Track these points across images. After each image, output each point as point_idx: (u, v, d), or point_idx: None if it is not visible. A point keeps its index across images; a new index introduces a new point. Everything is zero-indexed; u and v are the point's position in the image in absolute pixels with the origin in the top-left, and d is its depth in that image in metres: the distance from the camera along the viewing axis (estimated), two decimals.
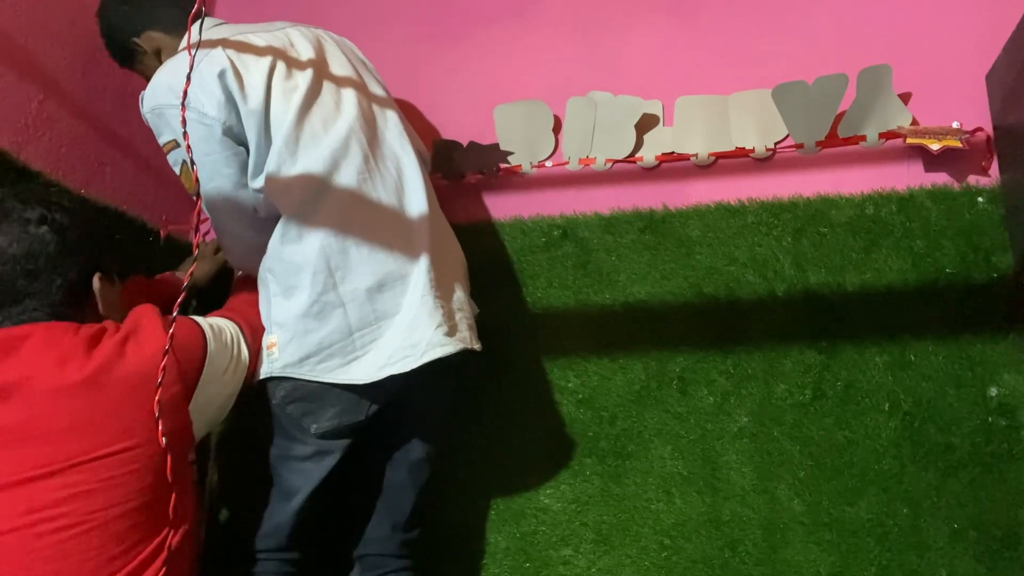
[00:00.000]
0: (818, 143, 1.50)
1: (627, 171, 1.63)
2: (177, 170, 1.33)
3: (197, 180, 1.15)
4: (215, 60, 1.24)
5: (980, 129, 1.44)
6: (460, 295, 1.33)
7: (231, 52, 1.26)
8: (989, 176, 1.45)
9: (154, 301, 1.20)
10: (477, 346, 1.32)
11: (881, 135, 1.46)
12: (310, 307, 1.23)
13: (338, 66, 1.38)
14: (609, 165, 1.62)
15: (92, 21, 1.47)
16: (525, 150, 1.67)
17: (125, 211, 1.61)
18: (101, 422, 1.03)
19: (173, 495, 1.07)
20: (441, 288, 1.29)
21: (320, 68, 1.34)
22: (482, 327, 1.44)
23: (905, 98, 1.49)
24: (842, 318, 1.46)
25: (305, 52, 1.34)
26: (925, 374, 1.40)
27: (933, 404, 1.39)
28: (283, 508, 1.28)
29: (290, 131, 1.25)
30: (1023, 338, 1.35)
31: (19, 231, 1.09)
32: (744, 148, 1.55)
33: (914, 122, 1.47)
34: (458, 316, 1.30)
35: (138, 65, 1.42)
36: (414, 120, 1.72)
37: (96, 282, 1.15)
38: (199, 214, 1.10)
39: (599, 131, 1.62)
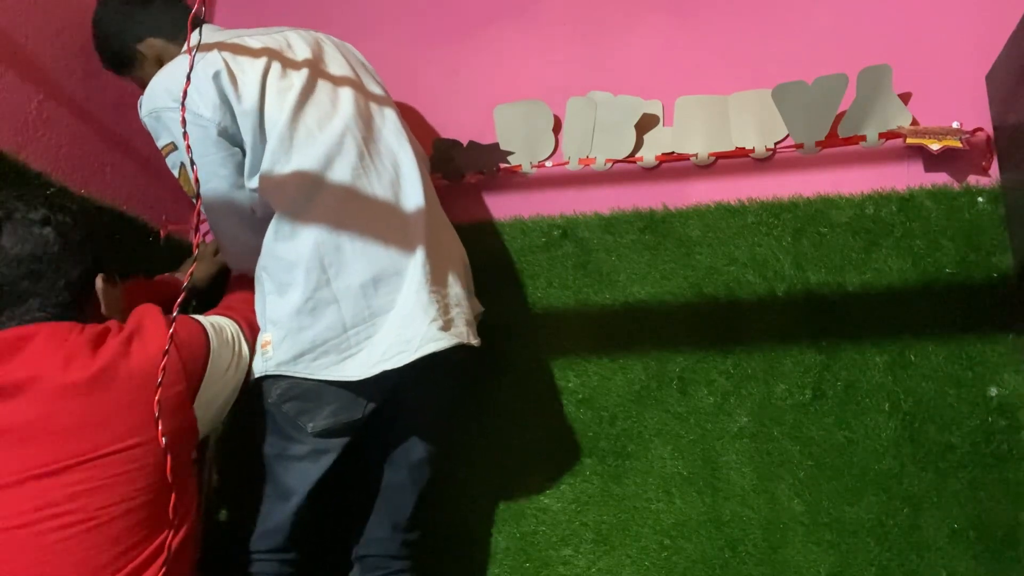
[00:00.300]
0: (818, 143, 1.50)
1: (627, 171, 1.63)
2: (176, 172, 1.33)
3: (197, 181, 1.15)
4: (210, 62, 1.25)
5: (980, 129, 1.44)
6: (458, 291, 1.32)
7: (226, 54, 1.27)
8: (989, 176, 1.45)
9: (154, 302, 1.20)
10: (475, 342, 1.31)
11: (881, 135, 1.46)
12: (303, 304, 1.23)
13: (336, 66, 1.38)
14: (609, 165, 1.62)
15: (93, 16, 1.47)
16: (525, 150, 1.67)
17: (125, 211, 1.61)
18: (107, 420, 1.04)
19: (173, 495, 1.07)
20: (437, 283, 1.28)
21: (316, 68, 1.34)
22: (482, 327, 1.44)
23: (905, 98, 1.49)
24: (842, 318, 1.46)
25: (302, 53, 1.35)
26: (925, 374, 1.40)
27: (933, 404, 1.39)
28: (280, 508, 1.28)
29: (284, 130, 1.26)
30: (1023, 338, 1.35)
31: (23, 232, 1.10)
32: (744, 148, 1.55)
33: (914, 122, 1.47)
34: (454, 311, 1.29)
35: (137, 72, 1.41)
36: (414, 120, 1.72)
37: (99, 282, 1.16)
38: (199, 215, 1.11)
39: (599, 131, 1.62)
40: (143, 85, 1.33)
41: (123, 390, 1.05)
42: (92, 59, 1.48)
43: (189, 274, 1.10)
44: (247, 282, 1.38)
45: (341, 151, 1.28)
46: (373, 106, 1.38)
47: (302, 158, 1.26)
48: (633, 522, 1.48)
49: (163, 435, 1.05)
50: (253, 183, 1.28)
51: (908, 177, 1.48)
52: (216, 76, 1.24)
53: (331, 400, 1.24)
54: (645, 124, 1.61)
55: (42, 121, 1.43)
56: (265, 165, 1.26)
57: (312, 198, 1.26)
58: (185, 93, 1.12)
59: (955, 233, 1.43)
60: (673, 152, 1.59)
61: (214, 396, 1.18)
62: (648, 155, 1.60)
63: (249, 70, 1.27)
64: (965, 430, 1.36)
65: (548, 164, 1.66)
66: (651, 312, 1.56)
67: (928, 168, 1.48)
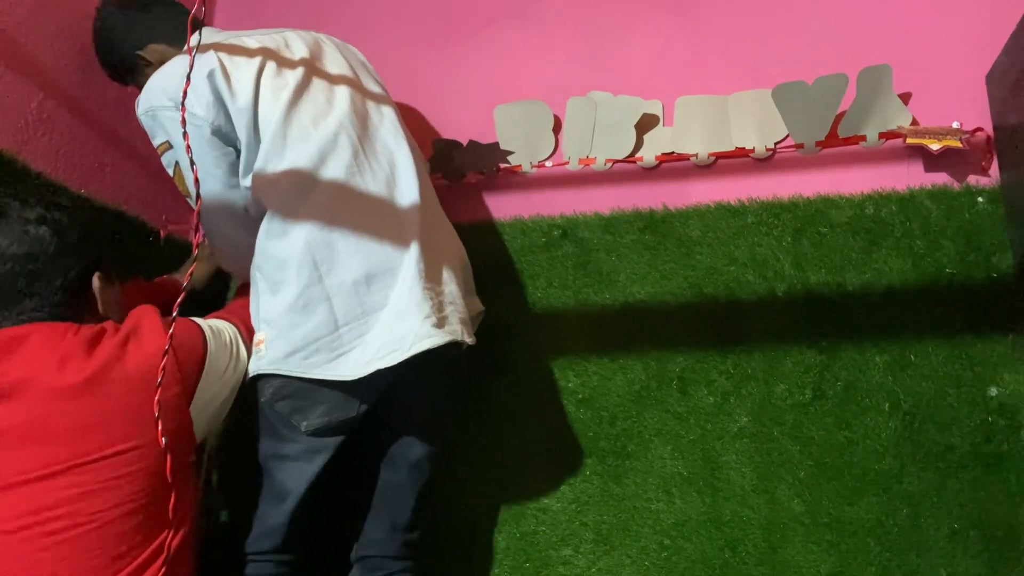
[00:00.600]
0: (818, 143, 1.50)
1: (627, 171, 1.63)
2: (170, 171, 1.33)
3: (197, 182, 1.15)
4: (205, 61, 1.25)
5: (980, 129, 1.44)
6: (453, 288, 1.31)
7: (222, 54, 1.28)
8: (989, 176, 1.45)
9: (154, 303, 1.20)
10: (469, 340, 1.30)
11: (881, 135, 1.46)
12: (295, 301, 1.23)
13: (333, 65, 1.38)
14: (609, 165, 1.62)
15: (92, 20, 1.47)
16: (525, 150, 1.67)
17: (125, 211, 1.61)
18: (103, 423, 1.03)
19: (173, 495, 1.07)
20: (431, 281, 1.27)
21: (312, 66, 1.34)
22: (482, 327, 1.44)
23: (905, 98, 1.49)
24: (842, 318, 1.46)
25: (299, 52, 1.35)
26: (925, 374, 1.40)
27: (933, 404, 1.38)
28: (277, 509, 1.28)
29: (278, 127, 1.26)
30: (1023, 338, 1.35)
31: (19, 231, 1.09)
32: (744, 148, 1.55)
33: (914, 122, 1.47)
34: (449, 309, 1.29)
35: (140, 79, 1.41)
36: (414, 120, 1.73)
37: (96, 282, 1.15)
38: (199, 215, 1.11)
39: (599, 131, 1.62)
40: None
41: (118, 393, 1.04)
42: (92, 59, 1.48)
43: (189, 274, 1.10)
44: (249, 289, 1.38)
45: (335, 149, 1.28)
46: (370, 104, 1.38)
47: (295, 156, 1.26)
48: (633, 522, 1.47)
49: (154, 439, 1.04)
50: (247, 181, 1.28)
51: (908, 177, 1.48)
52: (211, 75, 1.24)
53: (324, 399, 1.24)
54: (645, 124, 1.61)
55: (42, 121, 1.43)
56: (259, 163, 1.26)
57: (304, 196, 1.26)
58: (185, 94, 1.12)
59: (955, 233, 1.43)
60: (673, 152, 1.59)
61: (211, 398, 1.18)
62: (648, 155, 1.60)
63: (244, 68, 1.27)
64: (965, 430, 1.36)
65: (548, 164, 1.66)
66: (651, 312, 1.56)
67: (928, 168, 1.48)
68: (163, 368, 1.04)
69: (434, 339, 1.22)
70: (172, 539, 1.07)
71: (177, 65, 1.29)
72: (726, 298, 1.52)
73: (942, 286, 1.42)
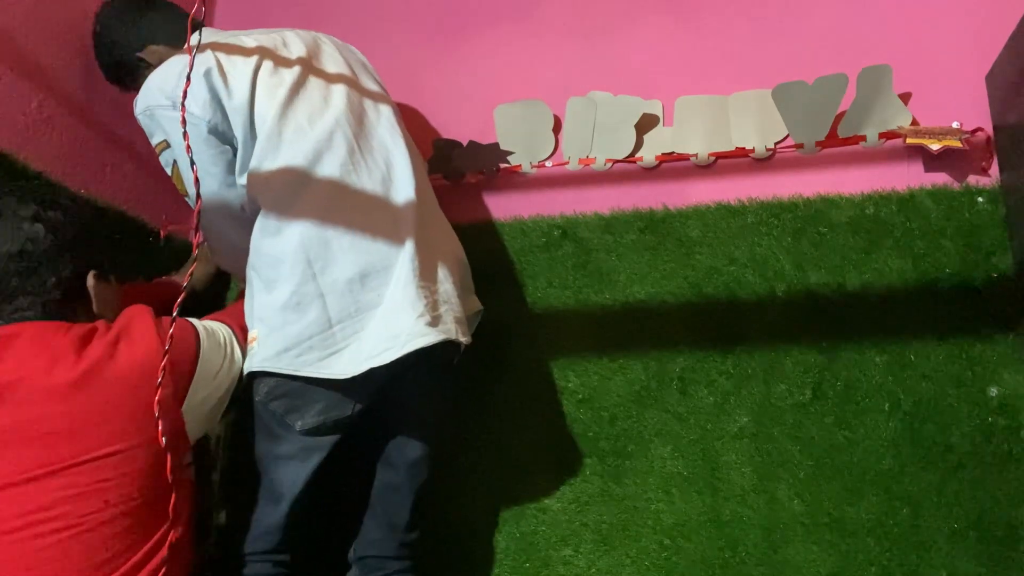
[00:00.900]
0: (818, 143, 1.50)
1: (627, 171, 1.63)
2: (168, 171, 1.33)
3: (197, 182, 1.14)
4: (202, 60, 1.25)
5: (980, 129, 1.44)
6: (448, 287, 1.31)
7: (219, 53, 1.28)
8: (989, 176, 1.45)
9: (153, 304, 1.19)
10: (464, 339, 1.29)
11: (881, 135, 1.46)
12: (289, 299, 1.22)
13: (331, 64, 1.38)
14: (609, 165, 1.62)
15: (92, 22, 1.47)
16: (525, 150, 1.67)
17: (125, 211, 1.61)
18: (92, 425, 1.02)
19: (173, 495, 1.06)
20: (426, 279, 1.27)
21: (309, 65, 1.34)
22: (482, 327, 1.44)
23: (905, 98, 1.49)
24: (842, 318, 1.46)
25: (296, 51, 1.35)
26: (925, 374, 1.40)
27: (933, 404, 1.38)
28: (274, 509, 1.27)
29: (273, 125, 1.26)
30: (1023, 338, 1.35)
31: (12, 229, 1.08)
32: (744, 148, 1.55)
33: (914, 122, 1.47)
34: (443, 308, 1.28)
35: (141, 81, 1.41)
36: (414, 120, 1.73)
37: (91, 280, 1.15)
38: (199, 215, 1.10)
39: (599, 131, 1.62)
40: None
41: (108, 394, 1.03)
42: (92, 59, 1.49)
43: (189, 275, 1.09)
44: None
45: (331, 147, 1.28)
46: (368, 103, 1.38)
47: (291, 154, 1.26)
48: (633, 522, 1.47)
49: (149, 439, 1.03)
50: (243, 180, 1.28)
51: (908, 177, 1.48)
52: (207, 73, 1.24)
53: (319, 398, 1.23)
54: (645, 124, 1.61)
55: (42, 121, 1.42)
56: (254, 161, 1.26)
57: (299, 194, 1.26)
58: (185, 94, 1.12)
59: (955, 233, 1.43)
60: (673, 152, 1.59)
61: (204, 399, 1.17)
62: (648, 155, 1.60)
63: (241, 66, 1.27)
64: (965, 430, 1.36)
65: (548, 164, 1.66)
66: (651, 312, 1.55)
67: (928, 168, 1.48)
68: (163, 368, 1.03)
69: (427, 338, 1.21)
70: (172, 536, 1.07)
71: (175, 64, 1.29)
72: (726, 298, 1.52)
73: (942, 286, 1.42)
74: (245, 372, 1.25)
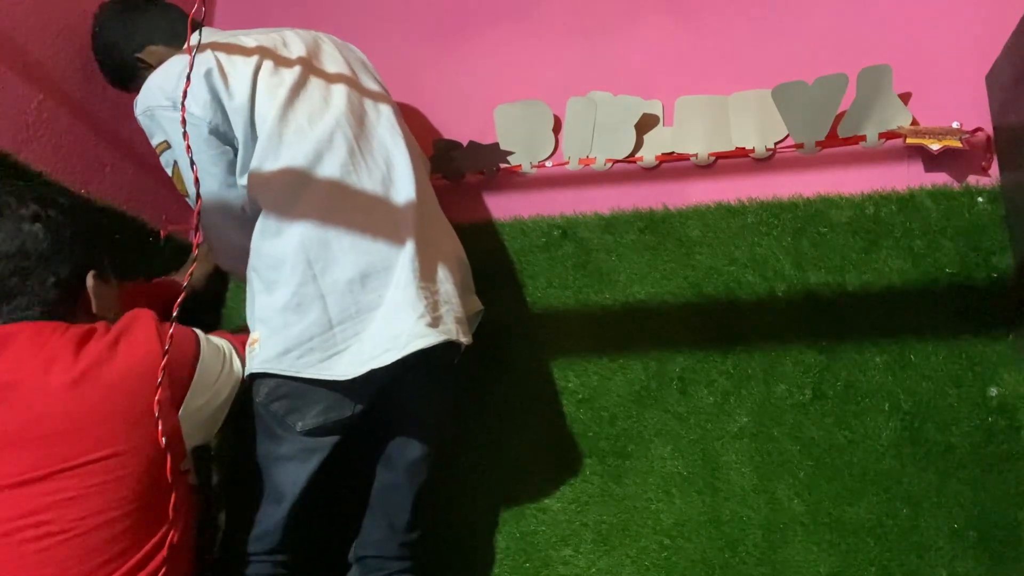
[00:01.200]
0: (818, 143, 1.50)
1: (627, 171, 1.63)
2: (169, 171, 1.33)
3: (197, 182, 1.14)
4: (202, 60, 1.25)
5: (980, 129, 1.44)
6: (448, 288, 1.31)
7: (219, 53, 1.28)
8: (989, 176, 1.45)
9: (153, 304, 1.19)
10: (465, 340, 1.29)
11: (881, 135, 1.46)
12: (289, 300, 1.22)
13: (332, 64, 1.38)
14: (609, 165, 1.62)
15: (91, 23, 1.47)
16: (525, 150, 1.67)
17: (125, 211, 1.61)
18: (86, 428, 1.01)
19: (173, 495, 1.06)
20: (426, 280, 1.27)
21: (310, 65, 1.34)
22: (482, 327, 1.44)
23: (905, 98, 1.49)
24: (842, 318, 1.46)
25: (297, 50, 1.35)
26: (925, 374, 1.40)
27: (933, 404, 1.38)
28: (274, 510, 1.27)
29: (273, 126, 1.25)
30: (1023, 338, 1.35)
31: (12, 228, 1.08)
32: (744, 148, 1.55)
33: (914, 122, 1.47)
34: (444, 308, 1.28)
35: (141, 82, 1.41)
36: (415, 120, 1.73)
37: (90, 280, 1.14)
38: (199, 215, 1.10)
39: (599, 131, 1.62)
40: None
41: (103, 396, 1.02)
42: (92, 59, 1.49)
43: (189, 274, 1.08)
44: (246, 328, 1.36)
45: (331, 147, 1.27)
46: (368, 103, 1.38)
47: (291, 154, 1.26)
48: (633, 522, 1.47)
49: (144, 443, 1.02)
50: (243, 180, 1.28)
51: (908, 177, 1.48)
52: (208, 74, 1.24)
53: (319, 399, 1.23)
54: (645, 124, 1.61)
55: (42, 121, 1.43)
56: (254, 162, 1.26)
57: (299, 195, 1.25)
58: (185, 94, 1.12)
59: (955, 233, 1.43)
60: (673, 152, 1.59)
61: (202, 405, 1.16)
62: (648, 155, 1.60)
63: (241, 66, 1.27)
64: (965, 430, 1.36)
65: (548, 164, 1.66)
66: (651, 312, 1.55)
67: (928, 168, 1.48)
68: (163, 368, 1.03)
69: (428, 339, 1.21)
70: (172, 537, 1.06)
71: (175, 65, 1.29)
72: (726, 298, 1.52)
73: (942, 286, 1.42)
74: (248, 372, 1.25)
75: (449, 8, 1.81)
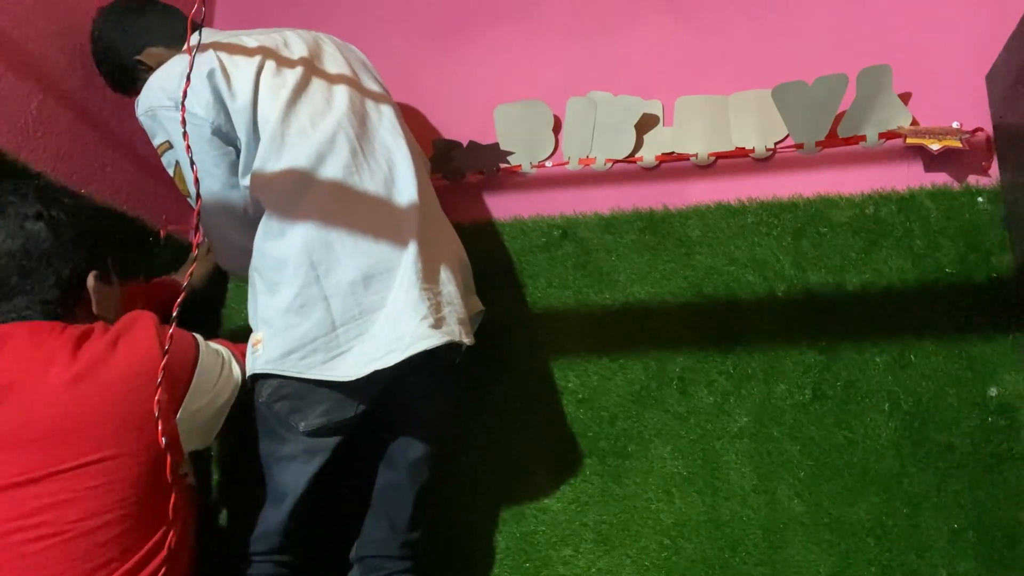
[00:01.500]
0: (818, 143, 1.50)
1: (627, 171, 1.63)
2: (170, 171, 1.33)
3: (197, 182, 1.14)
4: (204, 61, 1.25)
5: (980, 129, 1.44)
6: (451, 289, 1.31)
7: (222, 53, 1.27)
8: (989, 176, 1.45)
9: (152, 304, 1.19)
10: (467, 340, 1.29)
11: (881, 135, 1.46)
12: (293, 301, 1.22)
13: (333, 64, 1.38)
14: (609, 165, 1.62)
15: (91, 28, 1.47)
16: (525, 150, 1.67)
17: (125, 211, 1.61)
18: (84, 429, 1.01)
19: (173, 496, 1.05)
20: (429, 281, 1.27)
21: (311, 66, 1.34)
22: (482, 327, 1.44)
23: (905, 98, 1.49)
24: (842, 318, 1.46)
25: (298, 51, 1.35)
26: (925, 374, 1.40)
27: (933, 404, 1.38)
28: (275, 510, 1.27)
29: (276, 127, 1.25)
30: (1023, 338, 1.35)
31: (14, 227, 1.08)
32: (744, 148, 1.55)
33: (914, 122, 1.47)
34: (447, 310, 1.28)
35: (141, 85, 1.41)
36: (415, 120, 1.72)
37: (91, 280, 1.14)
38: (199, 215, 1.10)
39: (599, 131, 1.62)
40: None
41: (100, 398, 1.02)
42: (92, 59, 1.49)
43: (189, 274, 1.08)
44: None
45: (333, 148, 1.28)
46: (369, 104, 1.38)
47: (293, 155, 1.26)
48: (633, 522, 1.47)
49: (142, 445, 1.02)
50: (246, 181, 1.28)
51: (908, 177, 1.48)
52: (211, 74, 1.24)
53: (322, 399, 1.23)
54: (645, 124, 1.61)
55: (42, 121, 1.43)
56: (257, 163, 1.26)
57: (302, 196, 1.26)
58: (185, 94, 1.12)
59: (955, 233, 1.43)
60: (673, 152, 1.59)
61: (200, 409, 1.15)
62: (648, 155, 1.60)
63: (244, 67, 1.27)
64: (965, 430, 1.36)
65: (548, 164, 1.66)
66: (651, 312, 1.55)
67: (928, 168, 1.48)
68: (163, 368, 1.02)
69: (431, 340, 1.21)
70: (171, 539, 1.06)
71: (176, 64, 1.29)
72: (726, 298, 1.52)
73: (942, 286, 1.42)
74: (250, 373, 1.25)
75: (449, 8, 1.81)
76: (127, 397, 1.03)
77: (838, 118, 1.49)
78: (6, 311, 1.07)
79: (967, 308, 1.40)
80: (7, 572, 0.96)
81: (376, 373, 1.20)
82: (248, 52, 1.29)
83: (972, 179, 1.45)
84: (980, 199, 1.43)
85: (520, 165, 1.66)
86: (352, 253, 1.24)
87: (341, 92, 1.34)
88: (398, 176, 1.32)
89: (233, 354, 1.27)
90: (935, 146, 1.39)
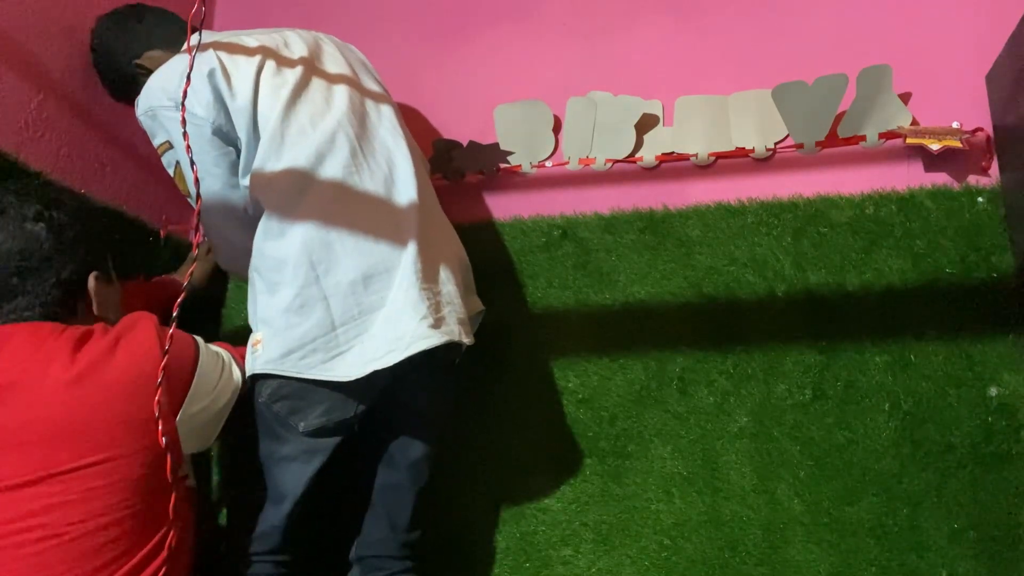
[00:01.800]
0: (818, 143, 1.50)
1: (627, 171, 1.63)
2: (171, 171, 1.33)
3: (197, 182, 1.14)
4: (205, 60, 1.25)
5: (980, 129, 1.44)
6: (451, 289, 1.31)
7: (222, 53, 1.27)
8: (989, 176, 1.45)
9: (152, 303, 1.19)
10: (467, 340, 1.29)
11: (881, 135, 1.46)
12: (292, 301, 1.22)
13: (333, 64, 1.38)
14: (609, 165, 1.62)
15: (92, 22, 1.47)
16: (525, 150, 1.67)
17: (125, 211, 1.61)
18: (85, 431, 1.01)
19: (173, 496, 1.05)
20: (428, 281, 1.27)
21: (311, 66, 1.34)
22: (482, 327, 1.44)
23: (905, 98, 1.49)
24: (842, 318, 1.46)
25: (298, 51, 1.35)
26: (925, 374, 1.40)
27: (933, 404, 1.38)
28: (275, 510, 1.27)
29: (276, 127, 1.25)
30: (1023, 338, 1.35)
31: (14, 228, 1.07)
32: (744, 148, 1.55)
33: (914, 122, 1.47)
34: (446, 309, 1.28)
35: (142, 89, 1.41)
36: (414, 120, 1.73)
37: (92, 281, 1.14)
38: (199, 215, 1.10)
39: (599, 131, 1.62)
40: None
41: (102, 398, 1.02)
42: (92, 62, 1.49)
43: (189, 274, 1.08)
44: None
45: (333, 148, 1.27)
46: (369, 104, 1.38)
47: (293, 155, 1.26)
48: (633, 522, 1.47)
49: (142, 447, 1.02)
50: (247, 181, 1.28)
51: (908, 177, 1.48)
52: (211, 74, 1.24)
53: (322, 400, 1.23)
54: (645, 124, 1.61)
55: (42, 121, 1.43)
56: (257, 162, 1.26)
57: (302, 196, 1.26)
58: (185, 94, 1.12)
59: (955, 233, 1.43)
60: (673, 152, 1.59)
61: (200, 411, 1.15)
62: (648, 155, 1.60)
63: (244, 66, 1.27)
64: (965, 430, 1.36)
65: (548, 164, 1.66)
66: (651, 312, 1.55)
67: (928, 168, 1.48)
68: (163, 368, 1.02)
69: (431, 340, 1.21)
70: (171, 539, 1.06)
71: (176, 64, 1.29)
72: (726, 298, 1.52)
73: (942, 286, 1.42)
74: (250, 373, 1.25)
75: (449, 8, 1.81)
76: (127, 398, 1.03)
77: (838, 118, 1.49)
78: (6, 312, 1.07)
79: (967, 308, 1.40)
80: (7, 573, 0.96)
81: (376, 373, 1.20)
82: (248, 52, 1.29)
83: (972, 179, 1.45)
84: (980, 199, 1.43)
85: (520, 165, 1.66)
86: (352, 253, 1.24)
87: (341, 92, 1.34)
88: (398, 176, 1.32)
89: (233, 357, 1.27)
90: (935, 146, 1.39)
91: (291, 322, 1.22)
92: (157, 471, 1.04)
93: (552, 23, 1.74)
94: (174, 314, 1.01)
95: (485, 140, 1.68)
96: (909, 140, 1.42)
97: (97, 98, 1.55)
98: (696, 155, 1.57)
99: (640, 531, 1.47)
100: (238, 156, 1.29)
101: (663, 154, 1.59)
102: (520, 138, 1.67)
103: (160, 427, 1.02)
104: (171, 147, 1.30)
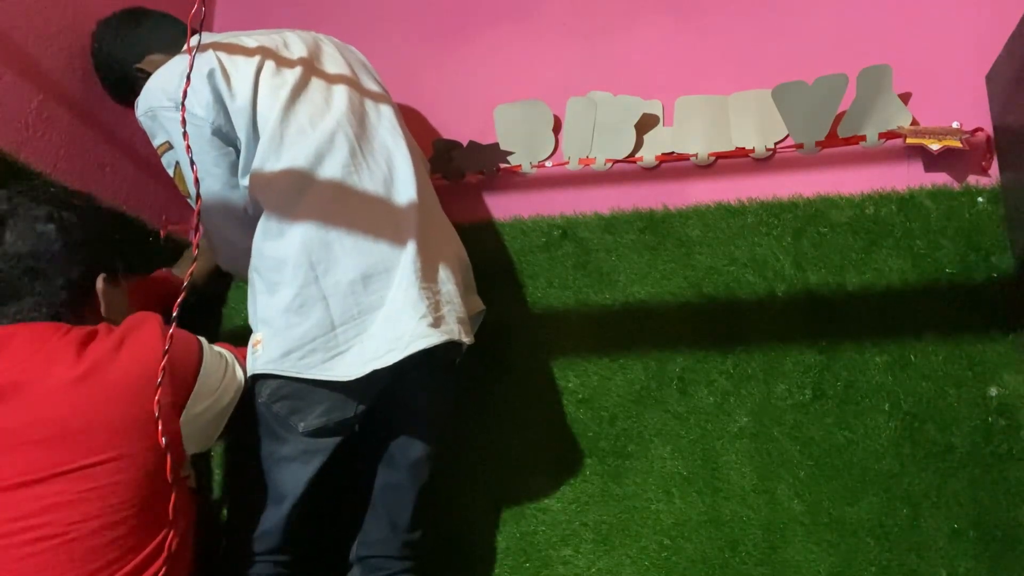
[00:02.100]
0: (818, 143, 1.50)
1: (627, 171, 1.63)
2: (171, 172, 1.33)
3: (197, 182, 1.14)
4: (204, 61, 1.25)
5: (980, 129, 1.44)
6: (451, 288, 1.31)
7: (221, 54, 1.28)
8: (989, 176, 1.45)
9: (151, 299, 1.18)
10: (467, 340, 1.29)
11: (881, 135, 1.46)
12: (292, 301, 1.22)
13: (332, 65, 1.38)
14: (609, 165, 1.62)
15: (92, 22, 1.47)
16: (525, 150, 1.67)
17: (125, 211, 1.61)
18: (87, 431, 1.00)
19: (173, 495, 1.05)
20: (428, 280, 1.27)
21: (311, 66, 1.34)
22: (482, 327, 1.44)
23: (905, 98, 1.49)
24: (842, 318, 1.46)
25: (298, 51, 1.35)
26: (925, 374, 1.40)
27: (933, 404, 1.38)
28: (275, 510, 1.27)
29: (275, 127, 1.26)
30: (1023, 338, 1.35)
31: (25, 228, 1.07)
32: (744, 148, 1.55)
33: (914, 122, 1.47)
34: (446, 309, 1.28)
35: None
36: (414, 121, 1.73)
37: (100, 283, 1.14)
38: (199, 214, 1.10)
39: (599, 131, 1.62)
40: None
41: (106, 398, 1.01)
42: (91, 61, 1.49)
43: (189, 272, 1.08)
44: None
45: (332, 148, 1.28)
46: (369, 104, 1.38)
47: (292, 155, 1.26)
48: (633, 522, 1.47)
49: (145, 447, 1.02)
50: (246, 181, 1.28)
51: (908, 177, 1.48)
52: (211, 74, 1.24)
53: (322, 400, 1.23)
54: (645, 124, 1.61)
55: (42, 121, 1.42)
56: (256, 162, 1.26)
57: (301, 195, 1.26)
58: (185, 94, 1.12)
59: (955, 233, 1.43)
60: (673, 152, 1.59)
61: (203, 411, 1.14)
62: (648, 155, 1.60)
63: (243, 67, 1.27)
64: (965, 430, 1.36)
65: (548, 164, 1.66)
66: (651, 312, 1.55)
67: (928, 168, 1.48)
68: (163, 368, 1.02)
69: (430, 339, 1.21)
70: (171, 540, 1.05)
71: (176, 65, 1.29)
72: (726, 298, 1.52)
73: (942, 286, 1.42)
74: (250, 373, 1.25)
75: (449, 8, 1.81)
76: (131, 399, 1.03)
77: (838, 118, 1.49)
78: (13, 312, 1.07)
79: (967, 308, 1.40)
80: (8, 573, 0.96)
81: (376, 373, 1.20)
82: (248, 52, 1.30)
83: (972, 179, 1.45)
84: (980, 199, 1.43)
85: (520, 165, 1.66)
86: (351, 253, 1.24)
87: (340, 92, 1.34)
88: (397, 176, 1.33)
89: (236, 357, 1.27)
90: (935, 146, 1.39)
91: (291, 322, 1.22)
92: (160, 471, 1.04)
93: (552, 23, 1.74)
94: (174, 314, 1.01)
95: (485, 140, 1.68)
96: (909, 140, 1.42)
97: (97, 98, 1.55)
98: (696, 155, 1.57)
99: (640, 531, 1.47)
100: (238, 156, 1.29)
101: (663, 154, 1.59)
102: (520, 138, 1.67)
103: (160, 427, 1.02)
104: (171, 147, 1.30)
